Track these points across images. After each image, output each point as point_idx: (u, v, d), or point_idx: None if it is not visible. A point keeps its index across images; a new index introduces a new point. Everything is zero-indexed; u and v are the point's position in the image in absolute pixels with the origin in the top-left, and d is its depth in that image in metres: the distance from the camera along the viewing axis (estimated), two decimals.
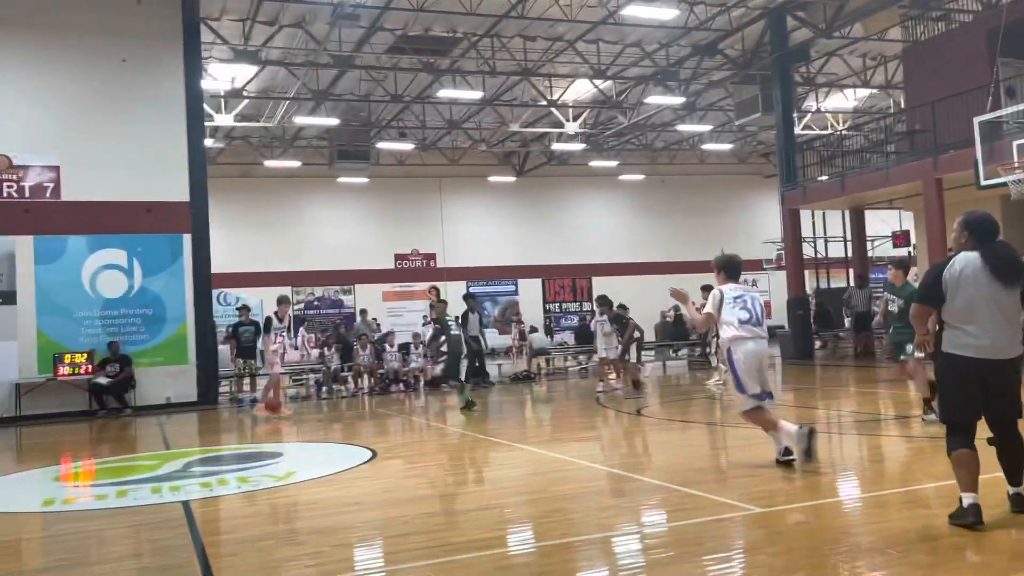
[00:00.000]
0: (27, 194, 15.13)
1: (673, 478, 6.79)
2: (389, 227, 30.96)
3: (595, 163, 31.76)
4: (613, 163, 32.39)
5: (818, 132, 28.17)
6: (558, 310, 32.55)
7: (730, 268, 7.28)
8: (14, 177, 15.10)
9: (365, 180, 29.91)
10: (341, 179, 29.75)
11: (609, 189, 33.51)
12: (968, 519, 4.63)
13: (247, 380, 16.30)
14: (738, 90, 22.71)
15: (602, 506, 6.18)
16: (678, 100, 23.96)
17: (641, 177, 33.68)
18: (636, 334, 14.61)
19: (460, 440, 10.10)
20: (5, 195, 15.00)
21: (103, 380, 14.80)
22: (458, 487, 7.28)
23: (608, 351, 14.73)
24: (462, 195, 31.90)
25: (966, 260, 4.76)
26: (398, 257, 31.20)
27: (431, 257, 31.53)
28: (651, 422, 11.03)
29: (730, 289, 7.06)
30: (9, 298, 14.87)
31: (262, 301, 25.99)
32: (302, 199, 30.14)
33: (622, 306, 15.65)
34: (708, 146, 31.76)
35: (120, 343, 15.18)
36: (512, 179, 32.55)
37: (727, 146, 32.28)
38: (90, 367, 14.75)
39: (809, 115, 28.01)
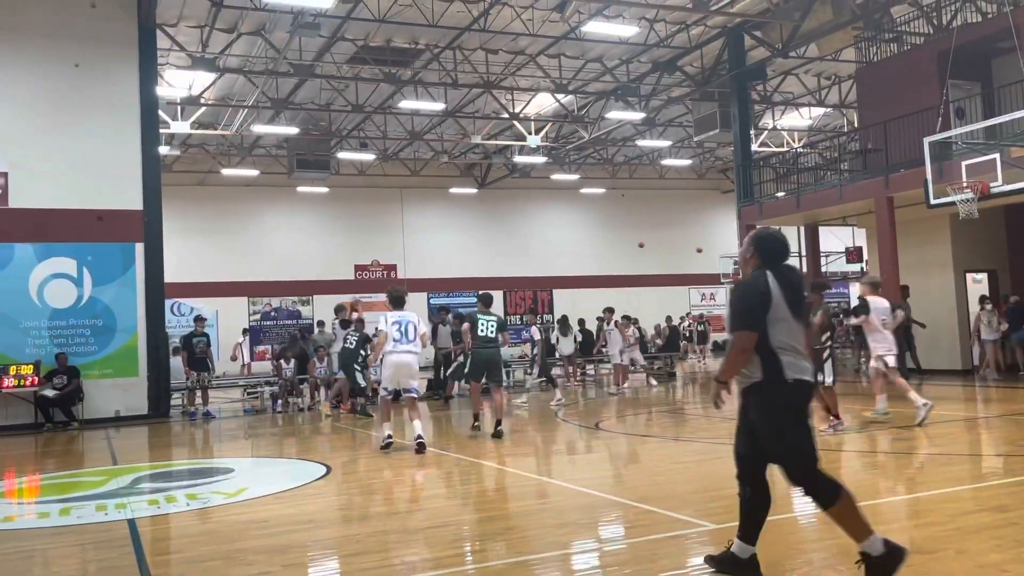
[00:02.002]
0: None
1: (630, 494, 6.79)
2: (349, 237, 30.74)
3: (556, 176, 31.92)
4: (574, 176, 32.60)
5: (774, 149, 28.67)
6: (520, 322, 32.55)
7: (394, 300, 10.02)
8: None
9: (325, 190, 29.67)
10: (300, 188, 29.48)
11: (570, 202, 33.69)
12: (898, 557, 3.99)
13: (199, 393, 15.96)
14: (697, 107, 23.02)
15: (559, 523, 6.14)
16: (638, 116, 24.20)
17: (602, 191, 33.94)
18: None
19: (417, 456, 9.99)
20: None
21: (50, 392, 14.38)
22: (413, 504, 7.19)
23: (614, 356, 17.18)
24: (423, 206, 31.81)
25: (772, 278, 4.20)
26: (358, 268, 30.98)
27: (392, 268, 31.35)
28: (609, 436, 11.03)
29: (392, 315, 9.77)
30: None
31: (217, 311, 25.60)
32: (260, 208, 29.80)
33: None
34: (667, 161, 32.13)
35: (68, 354, 14.77)
36: (474, 191, 32.56)
37: (686, 162, 32.68)
38: (36, 379, 14.32)
39: (766, 132, 28.50)
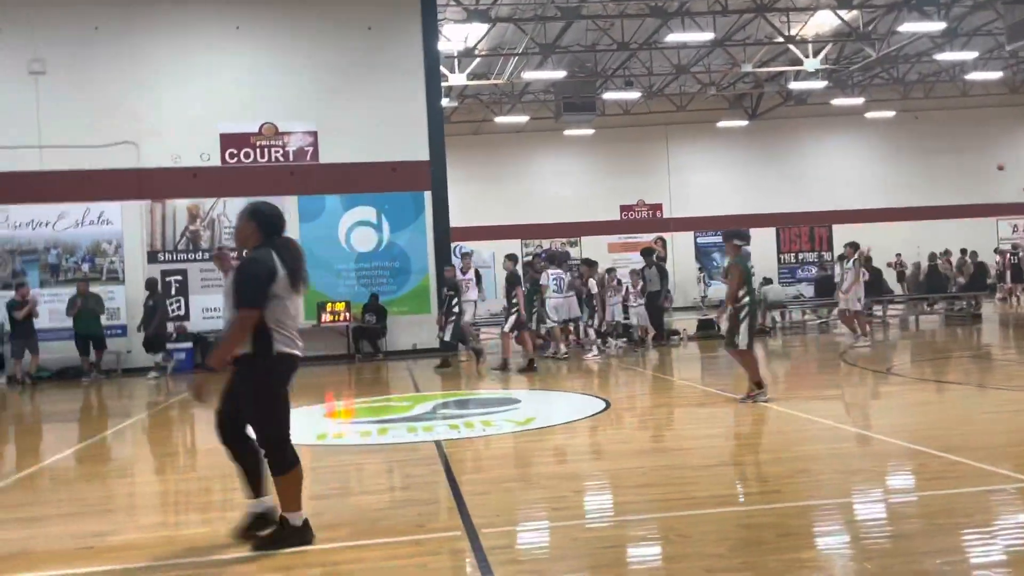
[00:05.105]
0: (291, 158, 16.76)
1: (933, 443, 6.28)
2: (614, 178, 30.86)
3: (837, 101, 29.41)
4: (858, 100, 29.81)
5: None
6: (794, 260, 30.92)
7: (555, 260, 14.86)
8: (280, 143, 16.78)
9: (591, 132, 29.93)
10: (567, 132, 30.00)
11: (853, 129, 31.00)
12: (308, 536, 4.50)
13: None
14: (1010, 11, 19.93)
15: (852, 469, 5.86)
16: (938, 26, 21.48)
17: (891, 114, 30.78)
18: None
19: (692, 394, 9.99)
20: (273, 159, 16.72)
21: (362, 326, 16.21)
22: (695, 441, 7.21)
23: (848, 302, 13.88)
24: (689, 142, 31.02)
25: (275, 255, 4.41)
26: (623, 208, 31.07)
27: (657, 208, 31.09)
28: (902, 381, 10.23)
29: (552, 272, 14.12)
30: None
31: (493, 254, 27.13)
32: (529, 153, 30.81)
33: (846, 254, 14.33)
34: (972, 75, 28.26)
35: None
36: (743, 123, 31.07)
37: (996, 74, 28.52)
38: (348, 315, 16.22)
39: None
